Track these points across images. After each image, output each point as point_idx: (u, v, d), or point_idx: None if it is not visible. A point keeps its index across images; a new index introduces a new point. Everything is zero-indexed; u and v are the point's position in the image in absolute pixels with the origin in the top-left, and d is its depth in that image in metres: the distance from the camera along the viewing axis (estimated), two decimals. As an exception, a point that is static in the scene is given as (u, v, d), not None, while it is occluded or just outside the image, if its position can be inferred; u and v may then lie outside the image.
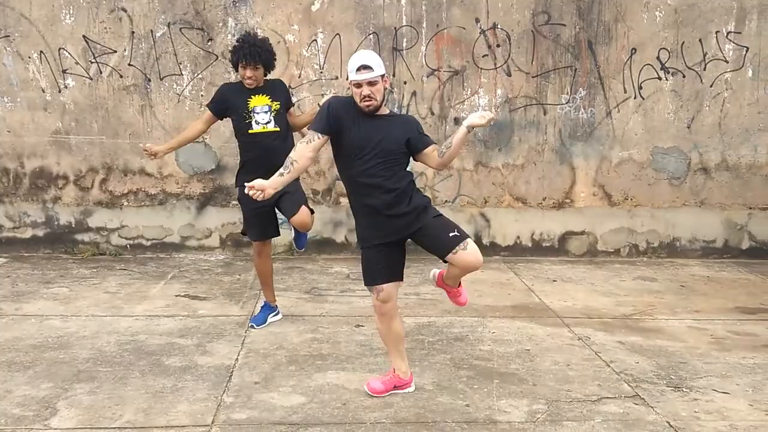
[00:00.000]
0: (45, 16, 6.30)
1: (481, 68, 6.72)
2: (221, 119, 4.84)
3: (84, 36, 6.34)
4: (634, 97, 6.83)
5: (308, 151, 3.65)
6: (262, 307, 4.99)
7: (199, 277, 6.06)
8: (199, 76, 6.49)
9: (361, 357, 4.37)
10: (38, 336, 4.58)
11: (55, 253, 6.61)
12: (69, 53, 6.36)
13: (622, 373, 4.19)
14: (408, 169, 3.77)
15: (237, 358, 4.30)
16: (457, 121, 6.78)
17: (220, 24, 6.46)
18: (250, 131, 4.64)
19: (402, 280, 3.87)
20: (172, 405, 3.66)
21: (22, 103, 6.43)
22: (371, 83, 3.52)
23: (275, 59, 4.74)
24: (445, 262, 3.77)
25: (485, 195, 6.93)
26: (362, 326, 4.93)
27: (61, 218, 6.63)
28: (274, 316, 4.96)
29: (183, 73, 6.47)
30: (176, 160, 6.56)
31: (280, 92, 4.75)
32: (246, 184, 3.58)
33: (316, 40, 6.56)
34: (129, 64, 6.42)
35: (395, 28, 6.61)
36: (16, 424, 3.43)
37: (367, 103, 3.56)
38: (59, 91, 6.43)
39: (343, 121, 3.61)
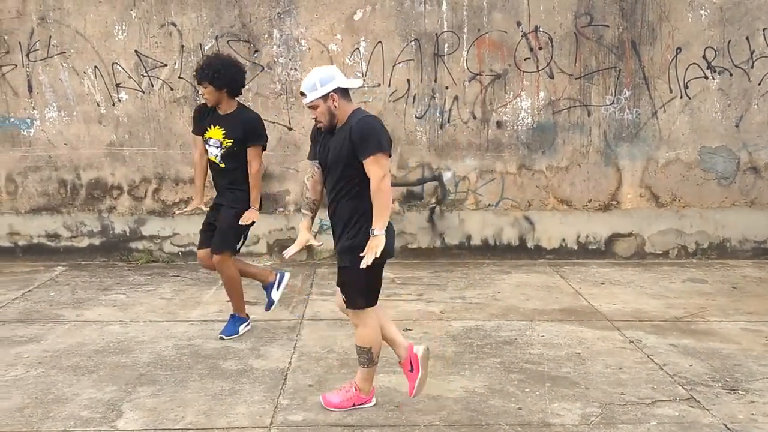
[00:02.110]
0: (99, 33, 6.53)
1: (524, 71, 6.73)
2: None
3: (136, 51, 6.56)
4: (680, 97, 6.76)
5: (318, 184, 3.75)
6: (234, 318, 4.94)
7: (249, 283, 6.14)
8: (246, 87, 6.62)
9: (412, 360, 4.42)
10: (100, 341, 4.75)
11: (111, 260, 6.84)
12: (122, 68, 6.58)
13: (675, 376, 4.17)
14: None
15: (290, 362, 4.40)
16: (499, 125, 6.81)
17: (266, 36, 6.61)
18: (209, 157, 4.74)
19: None
20: (231, 407, 3.78)
21: (78, 116, 6.67)
22: (312, 107, 3.58)
23: (234, 83, 4.64)
24: None
25: (529, 198, 6.93)
26: (410, 330, 4.98)
27: (116, 227, 6.86)
28: (246, 326, 4.96)
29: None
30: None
31: (239, 129, 4.59)
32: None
33: (358, 49, 6.66)
34: (179, 77, 6.62)
35: (436, 34, 6.67)
36: (85, 426, 3.58)
37: (317, 125, 3.66)
38: (113, 105, 6.65)
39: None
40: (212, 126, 4.64)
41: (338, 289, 3.77)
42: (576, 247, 6.97)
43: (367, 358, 3.71)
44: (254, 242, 6.90)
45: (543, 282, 6.22)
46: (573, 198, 6.92)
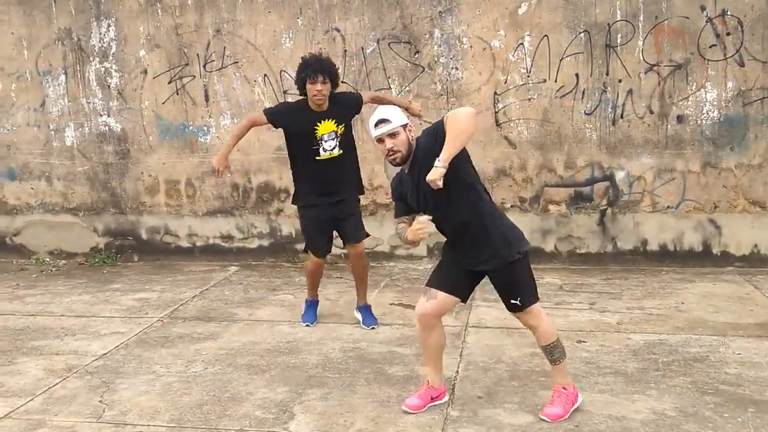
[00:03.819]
0: (268, 42, 6.78)
1: (708, 60, 6.10)
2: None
3: (302, 57, 6.70)
4: None
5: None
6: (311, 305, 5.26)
7: (410, 286, 6.13)
8: (407, 88, 6.59)
9: (588, 376, 4.10)
10: (271, 341, 4.88)
11: (278, 261, 7.07)
12: (289, 75, 6.78)
13: None
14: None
15: (457, 371, 4.24)
16: (680, 119, 6.23)
17: (427, 36, 6.51)
18: (317, 158, 4.79)
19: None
20: (399, 415, 3.68)
21: (249, 123, 6.96)
22: (392, 135, 3.40)
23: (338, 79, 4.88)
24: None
25: (715, 199, 6.27)
26: (584, 342, 4.64)
27: (284, 229, 7.08)
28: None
29: (391, 86, 6.62)
30: (385, 172, 6.71)
31: (343, 109, 4.83)
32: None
33: (522, 44, 6.37)
34: (342, 81, 6.66)
35: (608, 24, 6.22)
36: (259, 426, 3.64)
37: (392, 157, 3.43)
38: (281, 111, 6.87)
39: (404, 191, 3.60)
40: (318, 123, 4.73)
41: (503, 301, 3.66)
42: (771, 254, 6.22)
43: (560, 351, 3.60)
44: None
45: (733, 292, 5.58)
46: (767, 199, 6.17)
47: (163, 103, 7.11)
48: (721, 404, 3.67)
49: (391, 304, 5.61)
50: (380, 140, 3.48)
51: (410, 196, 3.55)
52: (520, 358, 4.40)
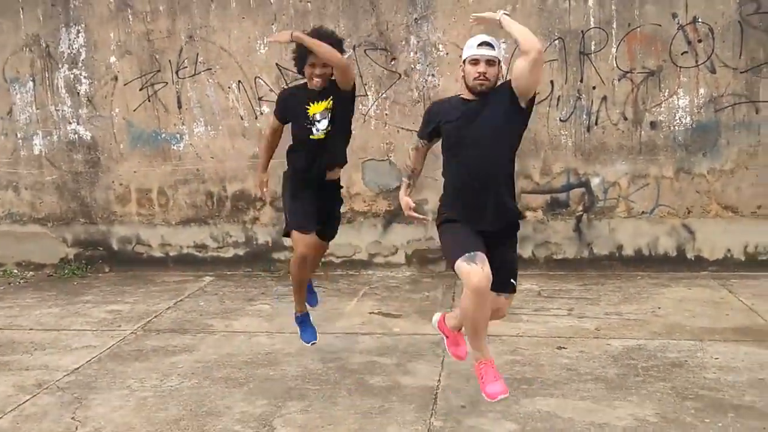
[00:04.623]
0: (242, 48, 6.70)
1: (680, 66, 6.18)
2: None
3: (277, 64, 6.66)
4: None
5: (423, 157, 3.99)
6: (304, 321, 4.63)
7: (389, 294, 6.09)
8: (384, 95, 6.57)
9: (570, 382, 4.09)
10: (248, 352, 4.79)
11: (255, 271, 6.97)
12: (264, 81, 6.71)
13: None
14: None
15: (439, 379, 4.21)
16: (654, 126, 6.30)
17: (403, 43, 6.50)
18: (311, 137, 4.37)
19: None
20: (382, 427, 3.63)
21: (224, 130, 6.87)
22: (490, 62, 3.35)
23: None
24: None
25: (688, 204, 6.34)
26: (564, 348, 4.64)
27: (260, 238, 6.99)
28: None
29: (368, 93, 6.58)
30: (362, 179, 6.67)
31: (332, 84, 4.31)
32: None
33: (498, 51, 6.38)
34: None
35: (582, 31, 6.27)
36: (239, 440, 3.57)
37: (480, 81, 3.37)
38: (256, 118, 6.79)
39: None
40: (310, 104, 4.33)
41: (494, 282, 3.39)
42: (743, 258, 6.29)
43: None
44: (392, 252, 6.80)
45: (708, 297, 5.64)
46: (739, 204, 6.26)
47: (134, 111, 6.98)
48: (702, 409, 3.69)
49: (370, 313, 5.56)
50: (475, 61, 3.37)
51: (454, 124, 3.46)
52: (501, 366, 4.34)
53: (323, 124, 4.35)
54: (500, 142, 3.50)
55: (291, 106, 4.47)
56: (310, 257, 4.43)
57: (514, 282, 3.61)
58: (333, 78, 4.34)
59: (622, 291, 5.89)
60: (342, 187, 4.78)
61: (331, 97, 4.33)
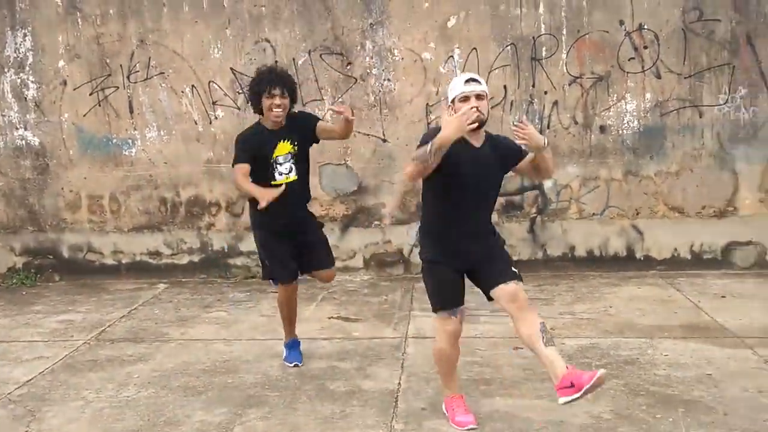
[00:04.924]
0: (196, 52, 6.63)
1: (628, 72, 6.37)
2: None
3: (231, 68, 6.61)
4: (803, 93, 6.24)
5: None
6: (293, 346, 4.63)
7: (348, 299, 6.11)
8: (340, 99, 6.58)
9: (527, 382, 4.18)
10: (206, 360, 4.74)
11: (210, 277, 6.90)
12: (218, 86, 6.65)
13: (828, 402, 3.76)
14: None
15: (399, 383, 4.24)
16: (603, 129, 6.48)
17: (358, 47, 6.53)
18: (273, 183, 4.20)
19: None
20: (344, 431, 3.64)
21: (177, 135, 6.78)
22: (479, 96, 3.41)
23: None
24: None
25: (637, 206, 6.54)
26: (521, 348, 4.72)
27: (215, 244, 6.92)
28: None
29: (324, 97, 6.59)
30: (320, 183, 6.67)
31: (297, 128, 4.27)
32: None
33: (452, 56, 6.48)
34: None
35: (533, 37, 6.41)
36: (199, 449, 3.53)
37: (473, 122, 3.37)
38: (210, 123, 6.73)
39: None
40: (275, 144, 4.19)
41: (502, 288, 3.48)
42: (689, 257, 6.52)
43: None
44: (350, 257, 6.81)
45: (657, 295, 5.83)
46: (685, 205, 6.48)
47: (84, 115, 6.83)
48: (653, 405, 3.82)
49: (330, 318, 5.57)
50: (465, 98, 3.40)
51: (458, 165, 3.41)
52: (461, 368, 4.38)
53: (286, 168, 4.23)
54: (493, 190, 3.64)
55: (255, 147, 4.21)
56: (294, 297, 4.54)
57: (515, 270, 3.59)
58: (295, 117, 4.30)
59: (574, 291, 6.03)
60: (313, 215, 4.61)
61: (296, 141, 4.23)
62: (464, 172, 3.44)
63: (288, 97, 4.18)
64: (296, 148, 4.26)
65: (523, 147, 3.55)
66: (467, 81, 3.45)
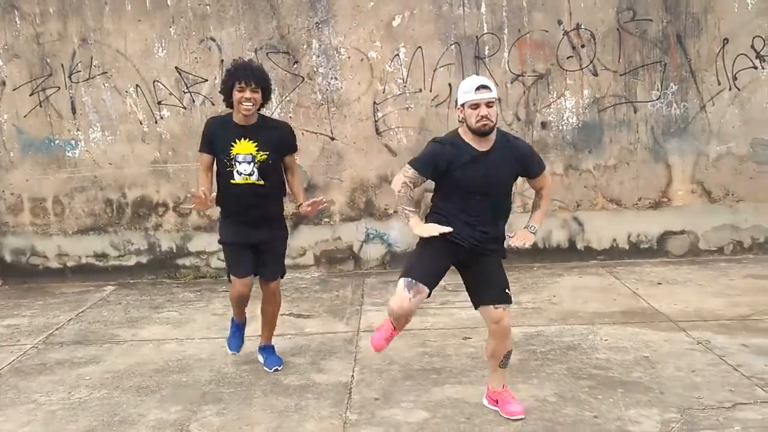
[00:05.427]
0: (139, 51, 6.56)
1: (567, 70, 6.61)
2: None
3: (176, 67, 6.57)
4: (729, 89, 6.58)
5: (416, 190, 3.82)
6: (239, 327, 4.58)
7: (299, 296, 6.16)
8: (287, 98, 6.62)
9: (475, 370, 4.33)
10: (158, 360, 4.73)
11: (159, 278, 6.85)
12: (163, 85, 6.60)
13: (753, 378, 4.02)
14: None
15: (353, 375, 4.34)
16: (544, 126, 6.70)
17: (305, 46, 6.58)
18: (232, 181, 4.13)
19: None
20: (299, 424, 3.72)
21: (122, 135, 6.70)
22: (490, 104, 3.46)
23: (270, 92, 4.27)
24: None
25: (577, 198, 6.80)
26: (470, 338, 4.89)
27: (163, 244, 6.87)
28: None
29: (271, 96, 6.59)
30: (269, 181, 6.68)
31: (274, 139, 4.15)
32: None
33: (398, 55, 6.59)
34: (219, 92, 6.58)
35: (476, 36, 6.58)
36: (155, 447, 3.55)
37: (483, 123, 3.46)
38: (155, 122, 6.67)
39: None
40: (237, 141, 4.09)
41: (487, 305, 3.66)
42: (627, 247, 6.82)
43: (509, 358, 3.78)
44: (300, 254, 6.86)
45: (598, 284, 6.08)
46: (622, 197, 6.77)
47: (24, 117, 6.68)
48: (594, 387, 4.01)
49: (282, 315, 5.58)
50: (475, 105, 3.43)
51: (464, 170, 3.48)
52: (412, 359, 4.56)
53: (245, 168, 4.08)
54: (506, 193, 3.72)
55: (217, 137, 4.14)
56: (246, 296, 4.34)
57: (508, 292, 3.73)
58: (278, 126, 4.24)
59: (520, 282, 6.23)
60: (281, 226, 4.40)
61: (262, 147, 4.08)
62: (467, 175, 3.51)
63: (259, 92, 4.07)
64: (261, 153, 4.10)
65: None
66: (478, 88, 3.45)
